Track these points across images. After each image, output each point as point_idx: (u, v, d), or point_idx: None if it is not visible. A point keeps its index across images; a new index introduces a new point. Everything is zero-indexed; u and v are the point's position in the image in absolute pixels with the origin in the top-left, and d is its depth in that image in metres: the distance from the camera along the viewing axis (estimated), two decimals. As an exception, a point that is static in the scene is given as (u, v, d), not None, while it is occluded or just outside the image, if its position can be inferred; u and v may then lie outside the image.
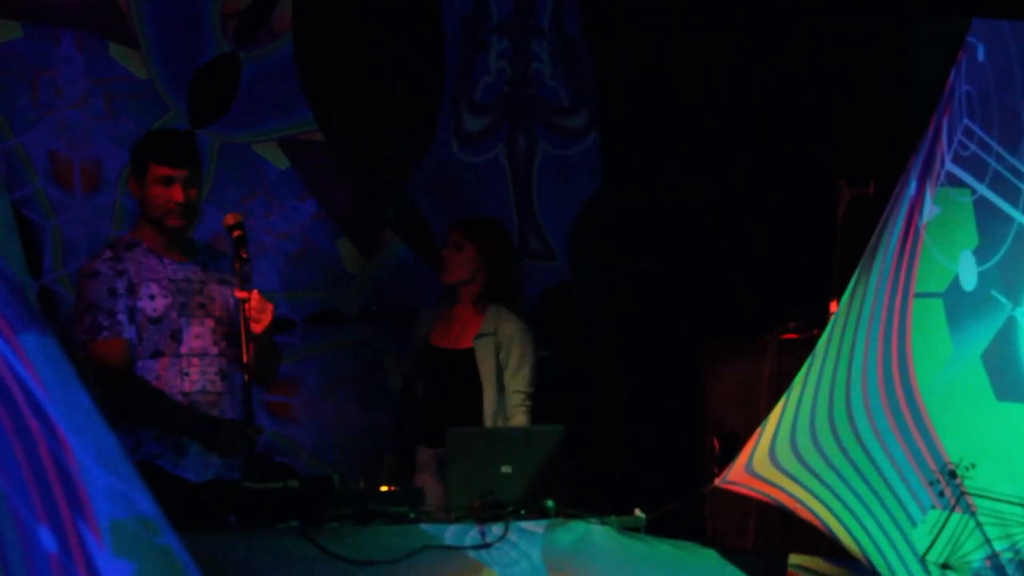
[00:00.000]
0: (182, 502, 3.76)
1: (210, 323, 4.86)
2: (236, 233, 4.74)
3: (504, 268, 5.91)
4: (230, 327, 4.87)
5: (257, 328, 4.66)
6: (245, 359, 4.60)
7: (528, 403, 5.77)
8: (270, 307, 4.72)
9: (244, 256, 4.69)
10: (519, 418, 5.73)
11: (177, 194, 4.76)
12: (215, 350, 4.85)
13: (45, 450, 2.10)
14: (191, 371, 4.80)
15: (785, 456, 4.21)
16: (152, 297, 4.77)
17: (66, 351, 2.32)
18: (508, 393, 5.76)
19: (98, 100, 6.12)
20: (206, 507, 3.91)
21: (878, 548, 4.05)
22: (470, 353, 5.80)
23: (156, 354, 4.76)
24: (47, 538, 2.03)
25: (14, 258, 4.20)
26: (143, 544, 2.18)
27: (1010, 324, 4.41)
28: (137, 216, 5.00)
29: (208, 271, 4.93)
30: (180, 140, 5.14)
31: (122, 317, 4.74)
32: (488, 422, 5.70)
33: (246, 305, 4.64)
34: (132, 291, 4.76)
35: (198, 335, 4.83)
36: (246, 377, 4.66)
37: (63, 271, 5.97)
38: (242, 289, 4.66)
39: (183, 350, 4.80)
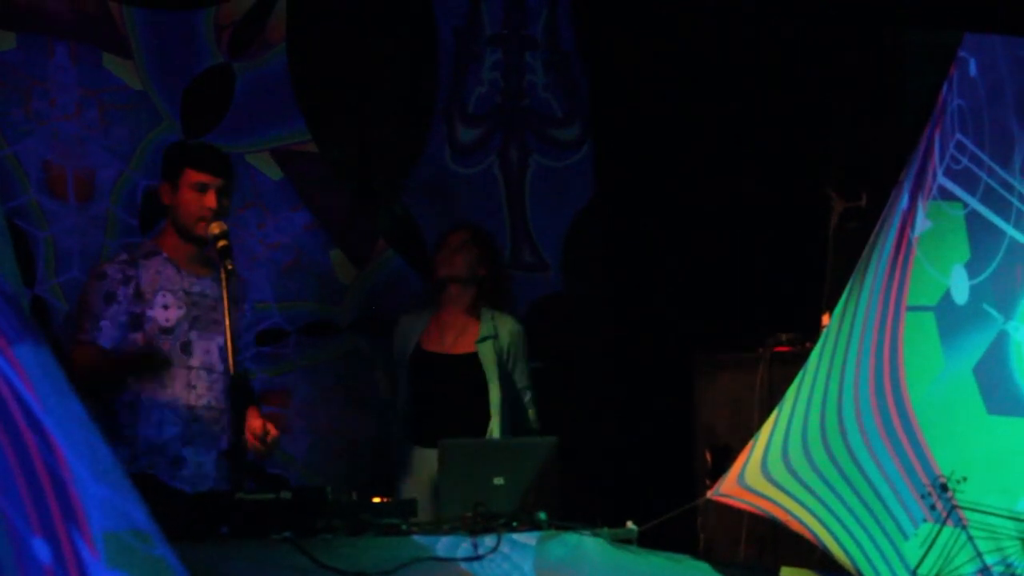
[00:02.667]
0: (175, 513, 3.76)
1: (221, 340, 4.83)
2: (221, 243, 4.66)
3: (500, 277, 6.00)
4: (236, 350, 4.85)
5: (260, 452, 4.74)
6: (232, 370, 4.58)
7: (532, 394, 5.96)
8: (274, 434, 4.77)
9: (230, 267, 4.63)
10: (531, 411, 5.94)
11: (211, 200, 4.75)
12: (222, 367, 4.82)
13: (40, 462, 2.09)
14: (199, 384, 4.80)
15: (777, 469, 4.21)
16: (166, 307, 4.75)
17: (60, 362, 2.32)
18: (518, 389, 5.92)
19: (92, 110, 6.12)
20: (199, 518, 3.90)
21: (870, 561, 4.06)
22: (470, 358, 5.84)
23: None
24: (42, 550, 2.03)
25: (9, 268, 4.17)
26: (137, 556, 2.18)
27: (1002, 338, 4.42)
28: (135, 228, 4.99)
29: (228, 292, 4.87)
30: (217, 150, 5.14)
31: (105, 323, 4.73)
32: (496, 417, 5.75)
33: (251, 434, 4.68)
34: (140, 298, 4.75)
35: (208, 350, 4.82)
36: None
37: (56, 281, 5.97)
38: (232, 303, 4.63)
39: (193, 363, 4.79)
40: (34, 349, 2.21)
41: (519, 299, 6.64)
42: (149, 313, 4.75)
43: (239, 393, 4.67)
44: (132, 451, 4.65)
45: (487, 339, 5.87)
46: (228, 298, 4.61)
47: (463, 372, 5.83)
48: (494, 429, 5.77)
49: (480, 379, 5.83)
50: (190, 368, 4.78)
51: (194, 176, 4.78)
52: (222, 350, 4.81)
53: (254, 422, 4.73)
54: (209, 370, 4.81)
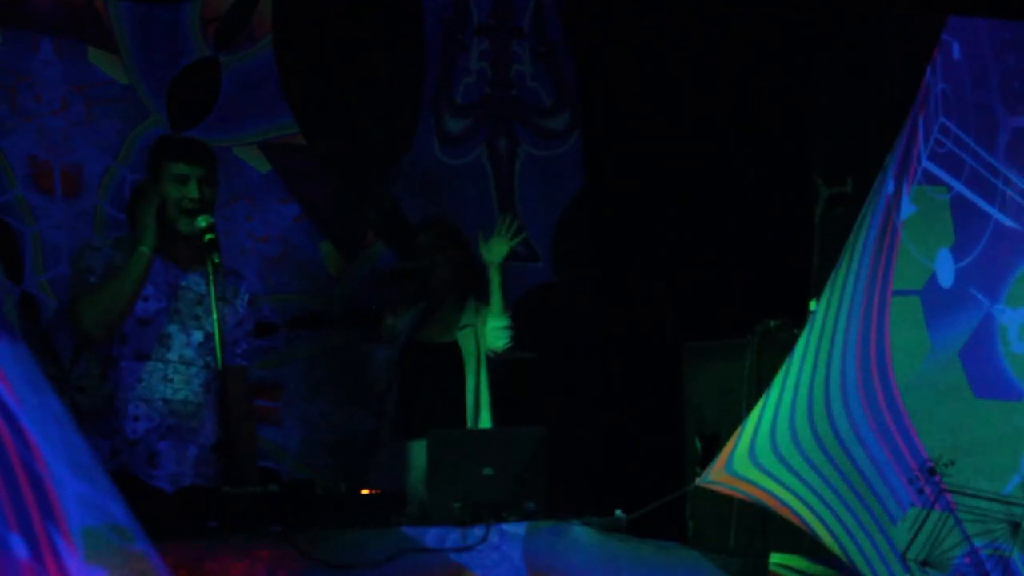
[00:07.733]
0: (161, 508, 3.76)
1: (200, 336, 4.80)
2: (208, 237, 4.65)
3: (470, 268, 5.93)
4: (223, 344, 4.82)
5: None
6: (221, 366, 4.58)
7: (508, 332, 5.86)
8: None
9: (216, 261, 4.62)
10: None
11: (193, 191, 4.72)
12: (202, 362, 4.79)
13: (16, 457, 2.09)
14: (175, 378, 4.75)
15: (765, 455, 4.20)
16: (145, 299, 4.71)
17: (40, 359, 2.31)
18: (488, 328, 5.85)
19: (78, 105, 6.11)
20: (186, 513, 3.90)
21: (858, 546, 4.06)
22: (453, 346, 5.83)
23: (141, 357, 4.72)
24: (19, 546, 2.02)
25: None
26: (116, 551, 2.17)
27: (987, 321, 4.41)
28: (123, 222, 4.97)
29: (215, 286, 4.84)
30: (197, 140, 5.12)
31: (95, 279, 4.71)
32: (470, 399, 5.74)
33: None
34: None
35: (187, 344, 4.78)
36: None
37: (44, 277, 5.96)
38: (221, 300, 4.63)
39: (171, 356, 4.76)
40: (11, 344, 2.20)
41: (509, 289, 6.62)
42: None
43: (229, 388, 4.67)
44: (112, 445, 4.63)
45: (467, 327, 5.86)
46: (216, 293, 4.60)
47: (447, 359, 5.83)
48: (470, 417, 5.76)
49: (461, 367, 5.83)
50: (167, 362, 4.75)
51: (173, 168, 4.75)
52: (201, 345, 4.78)
53: None
54: (187, 364, 4.78)
